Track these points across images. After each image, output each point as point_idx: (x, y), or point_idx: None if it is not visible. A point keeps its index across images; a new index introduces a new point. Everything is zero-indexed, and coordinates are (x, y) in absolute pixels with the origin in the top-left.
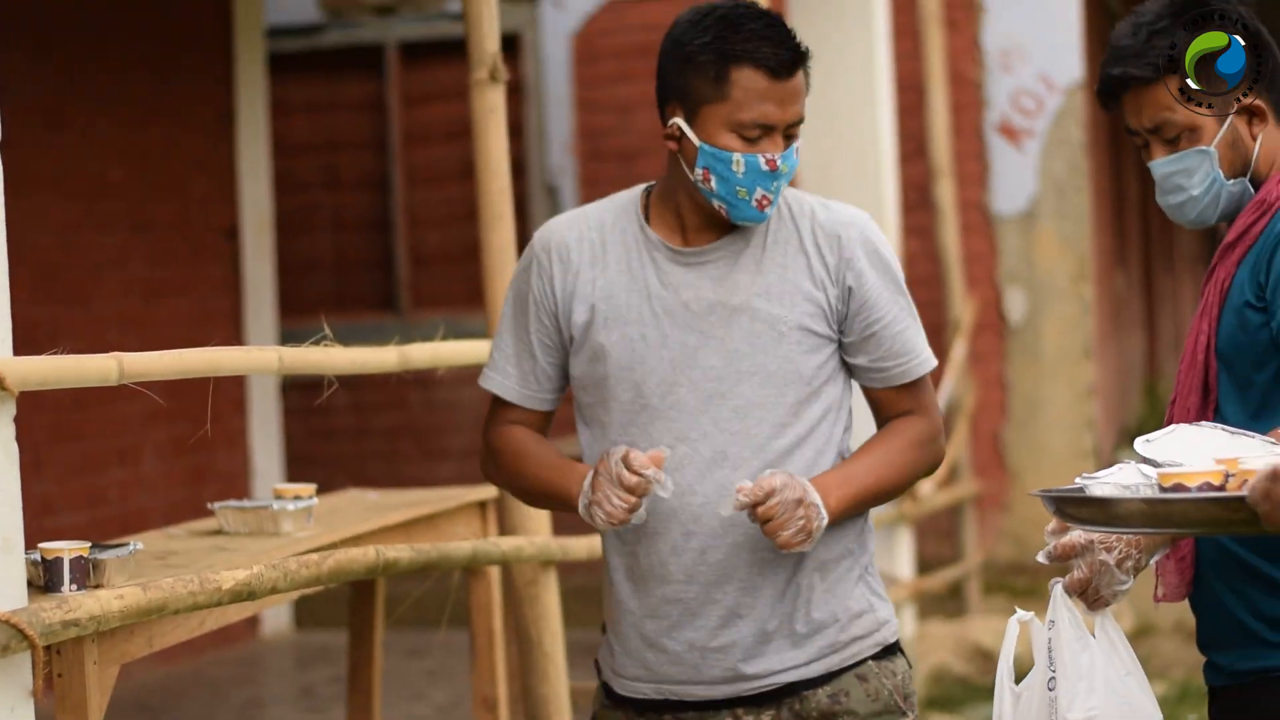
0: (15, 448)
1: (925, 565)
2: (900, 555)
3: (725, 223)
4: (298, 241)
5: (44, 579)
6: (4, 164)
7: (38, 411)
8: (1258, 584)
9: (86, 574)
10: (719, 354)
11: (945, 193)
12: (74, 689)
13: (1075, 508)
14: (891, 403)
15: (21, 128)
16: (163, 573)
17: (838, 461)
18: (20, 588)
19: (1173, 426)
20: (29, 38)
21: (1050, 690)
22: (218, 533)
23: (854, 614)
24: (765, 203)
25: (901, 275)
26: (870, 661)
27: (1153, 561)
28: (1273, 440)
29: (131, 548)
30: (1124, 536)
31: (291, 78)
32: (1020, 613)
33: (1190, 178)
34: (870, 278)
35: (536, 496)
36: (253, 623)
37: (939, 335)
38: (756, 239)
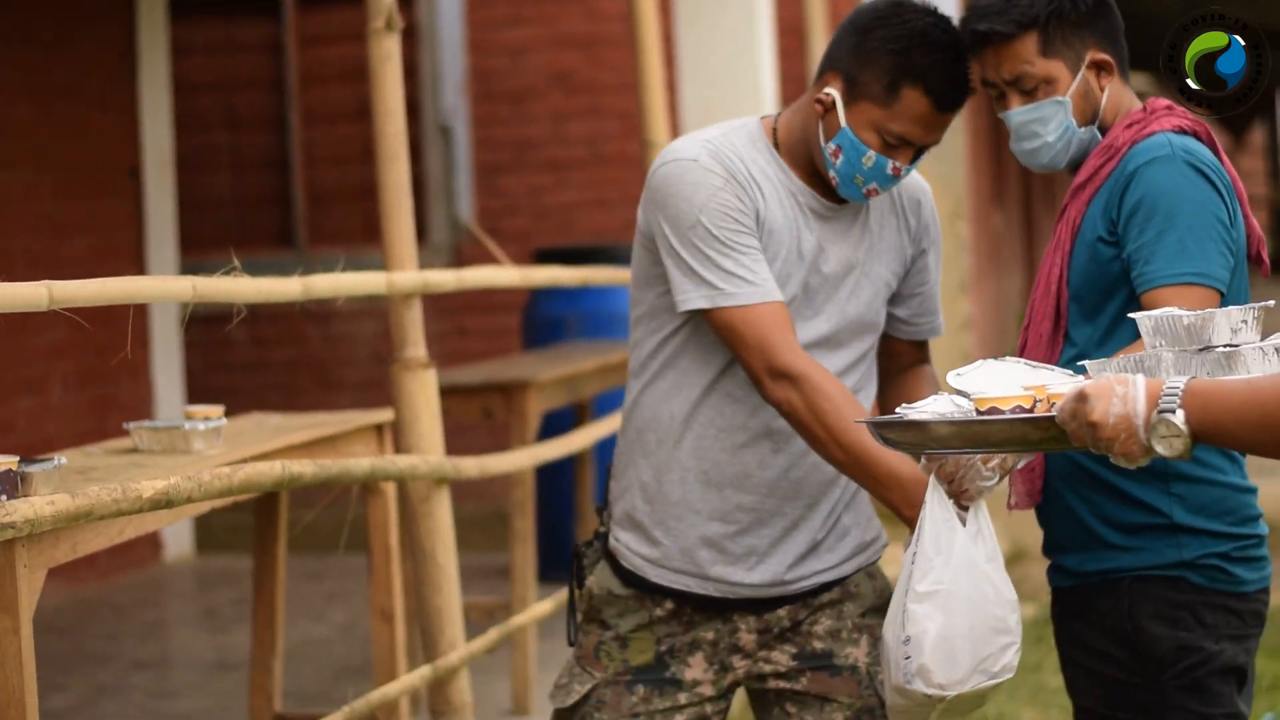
0: None
1: None
2: None
3: None
4: (199, 179)
5: None
6: None
7: None
8: (1106, 493)
9: (15, 486)
10: (832, 301)
11: None
12: (6, 589)
13: (896, 432)
14: (907, 353)
15: None
16: (85, 485)
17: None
18: None
19: (979, 361)
20: None
21: (910, 564)
22: (133, 451)
23: (868, 518)
24: (873, 193)
25: None
26: (878, 563)
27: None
28: (1070, 373)
29: (56, 462)
30: None
31: (191, 19)
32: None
33: (1046, 125)
34: (934, 243)
35: (852, 466)
36: (156, 548)
37: None
38: None
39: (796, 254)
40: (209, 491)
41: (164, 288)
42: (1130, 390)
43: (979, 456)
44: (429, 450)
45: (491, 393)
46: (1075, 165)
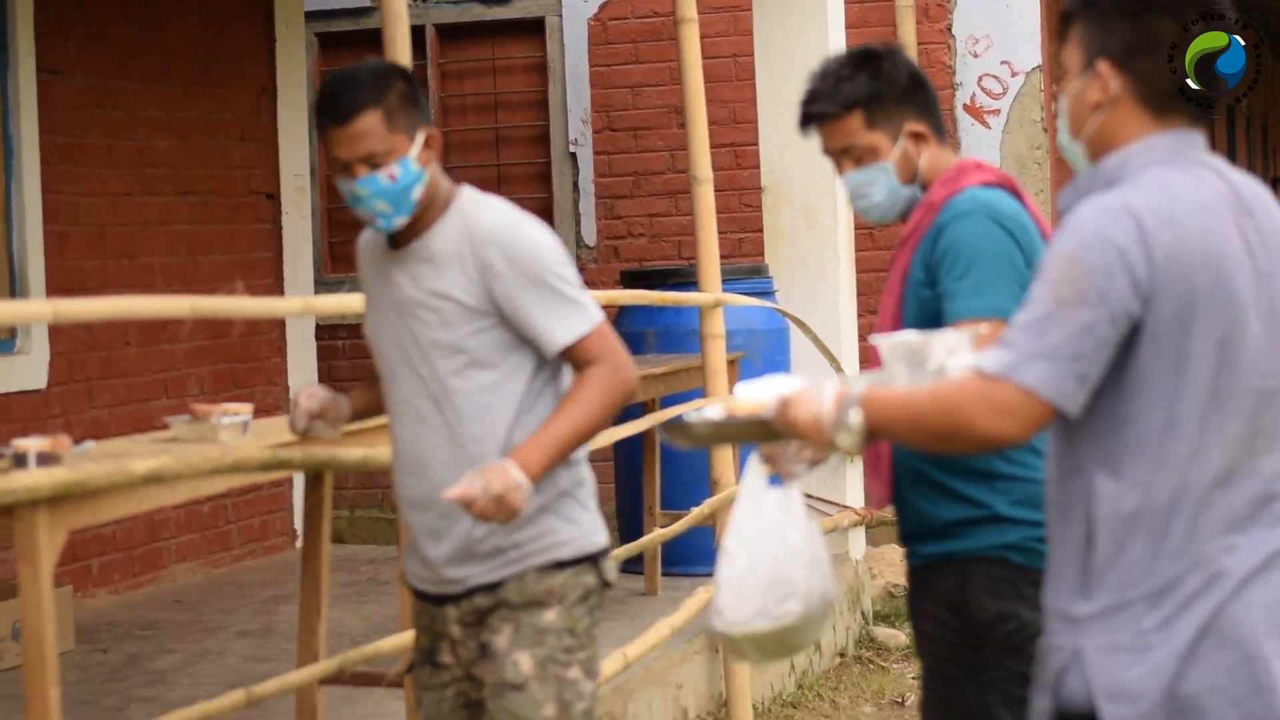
0: None
1: None
2: (851, 487)
3: (414, 228)
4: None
5: (13, 469)
6: (59, 139)
7: (90, 349)
8: (941, 492)
9: (49, 464)
10: (406, 329)
11: None
12: (29, 544)
13: (673, 431)
14: (574, 361)
15: (76, 106)
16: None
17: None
18: None
19: (766, 376)
20: (83, 27)
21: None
22: (172, 440)
23: (531, 537)
24: (369, 219)
25: (543, 270)
26: (533, 572)
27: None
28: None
29: (86, 446)
30: None
31: (342, 54)
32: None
33: (873, 186)
34: (505, 279)
35: None
36: (290, 537)
37: None
38: (431, 240)
39: (376, 295)
40: (196, 470)
41: (160, 306)
42: (821, 396)
43: (792, 446)
44: None
45: None
46: (906, 217)
